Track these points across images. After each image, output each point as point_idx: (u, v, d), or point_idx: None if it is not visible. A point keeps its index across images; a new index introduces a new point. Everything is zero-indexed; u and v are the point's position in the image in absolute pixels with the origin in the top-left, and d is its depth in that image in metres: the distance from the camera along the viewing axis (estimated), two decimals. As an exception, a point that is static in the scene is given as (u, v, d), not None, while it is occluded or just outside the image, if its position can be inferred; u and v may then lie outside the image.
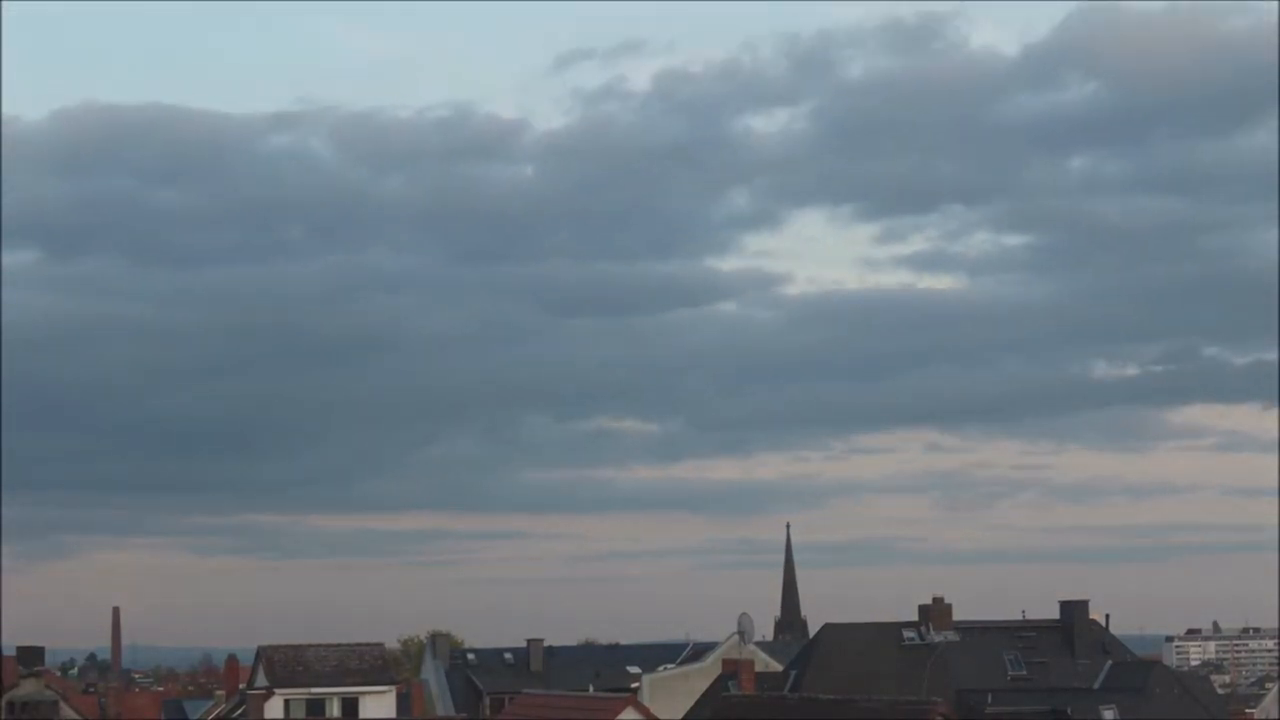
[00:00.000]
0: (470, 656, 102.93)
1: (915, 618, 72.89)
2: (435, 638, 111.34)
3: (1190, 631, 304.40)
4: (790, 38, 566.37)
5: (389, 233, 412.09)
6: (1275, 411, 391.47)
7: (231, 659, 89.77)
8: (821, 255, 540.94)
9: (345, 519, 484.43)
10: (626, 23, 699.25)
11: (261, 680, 72.30)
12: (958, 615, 73.18)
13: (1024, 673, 71.31)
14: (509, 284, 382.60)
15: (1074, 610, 74.02)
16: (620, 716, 57.77)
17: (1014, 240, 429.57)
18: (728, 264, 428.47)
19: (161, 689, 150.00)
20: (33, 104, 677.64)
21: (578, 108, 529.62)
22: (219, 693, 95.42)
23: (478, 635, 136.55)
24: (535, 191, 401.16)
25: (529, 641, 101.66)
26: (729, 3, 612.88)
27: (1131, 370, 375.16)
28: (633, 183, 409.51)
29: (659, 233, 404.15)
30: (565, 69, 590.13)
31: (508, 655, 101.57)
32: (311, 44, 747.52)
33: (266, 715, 69.84)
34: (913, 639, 71.58)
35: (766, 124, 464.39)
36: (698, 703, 70.68)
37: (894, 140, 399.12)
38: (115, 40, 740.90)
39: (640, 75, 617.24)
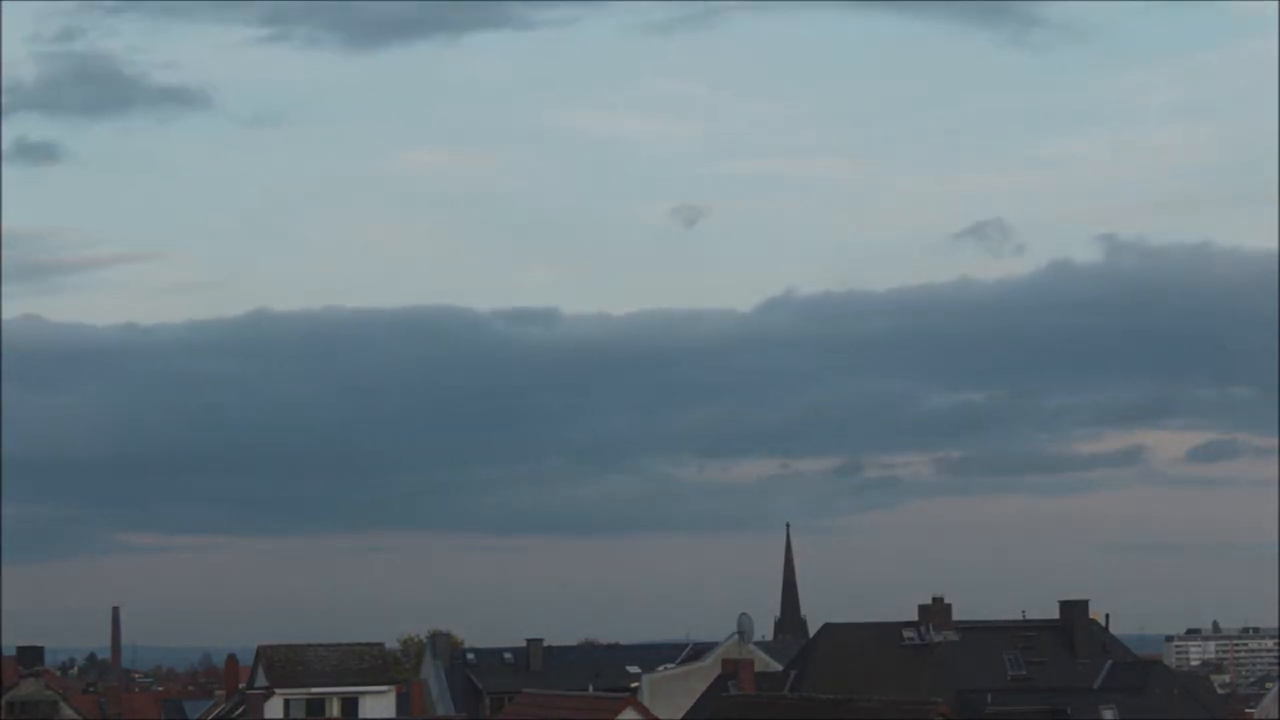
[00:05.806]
0: (470, 656, 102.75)
1: (915, 618, 72.84)
2: (435, 638, 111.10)
3: (1190, 631, 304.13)
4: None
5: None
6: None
7: (231, 659, 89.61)
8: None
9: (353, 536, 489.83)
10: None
11: (261, 680, 72.34)
12: (957, 615, 73.18)
13: (1024, 672, 71.28)
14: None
15: (1074, 610, 73.98)
16: (620, 716, 57.93)
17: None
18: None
19: (161, 689, 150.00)
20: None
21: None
22: (219, 693, 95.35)
23: (478, 635, 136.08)
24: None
25: (529, 641, 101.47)
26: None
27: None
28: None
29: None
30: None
31: (508, 655, 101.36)
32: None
33: (266, 715, 69.89)
34: (913, 639, 71.52)
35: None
36: (698, 703, 70.66)
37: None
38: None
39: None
